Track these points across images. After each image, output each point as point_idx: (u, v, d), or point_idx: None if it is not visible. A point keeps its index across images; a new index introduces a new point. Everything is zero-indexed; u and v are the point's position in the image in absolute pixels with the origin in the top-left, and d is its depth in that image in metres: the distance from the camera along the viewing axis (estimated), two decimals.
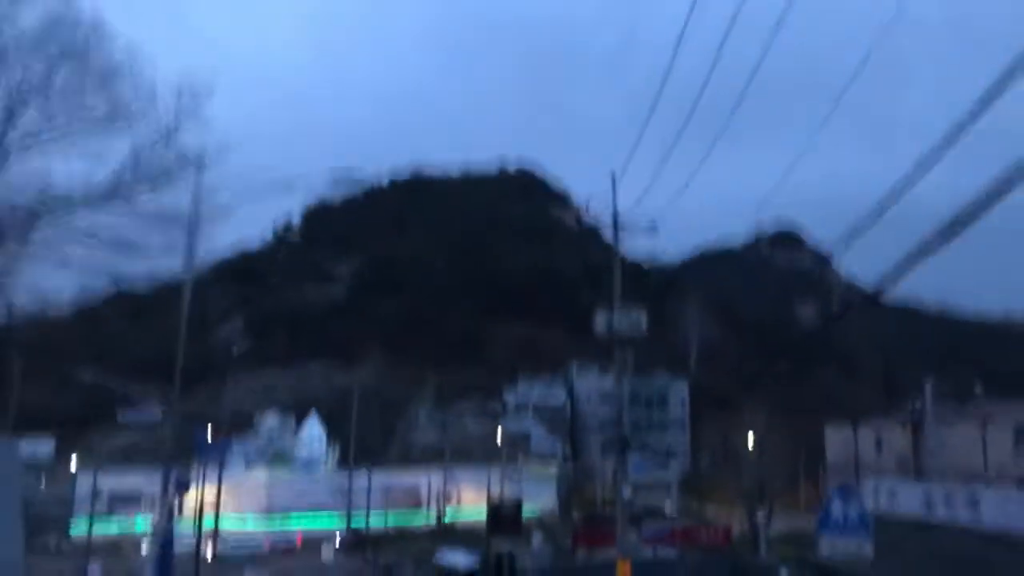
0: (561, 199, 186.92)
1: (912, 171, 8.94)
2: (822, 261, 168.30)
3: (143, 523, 68.35)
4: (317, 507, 73.12)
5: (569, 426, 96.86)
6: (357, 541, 61.85)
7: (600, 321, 26.71)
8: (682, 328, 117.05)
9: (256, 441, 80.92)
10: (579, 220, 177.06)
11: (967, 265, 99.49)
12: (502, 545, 40.33)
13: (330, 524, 70.37)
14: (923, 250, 8.45)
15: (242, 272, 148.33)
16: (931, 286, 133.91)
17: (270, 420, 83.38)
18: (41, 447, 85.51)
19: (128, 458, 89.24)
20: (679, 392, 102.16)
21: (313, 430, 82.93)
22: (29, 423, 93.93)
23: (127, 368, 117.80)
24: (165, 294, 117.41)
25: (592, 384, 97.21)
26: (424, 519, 73.49)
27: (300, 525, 69.06)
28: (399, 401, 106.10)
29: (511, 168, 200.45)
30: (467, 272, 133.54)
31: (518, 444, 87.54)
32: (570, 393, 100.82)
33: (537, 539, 51.85)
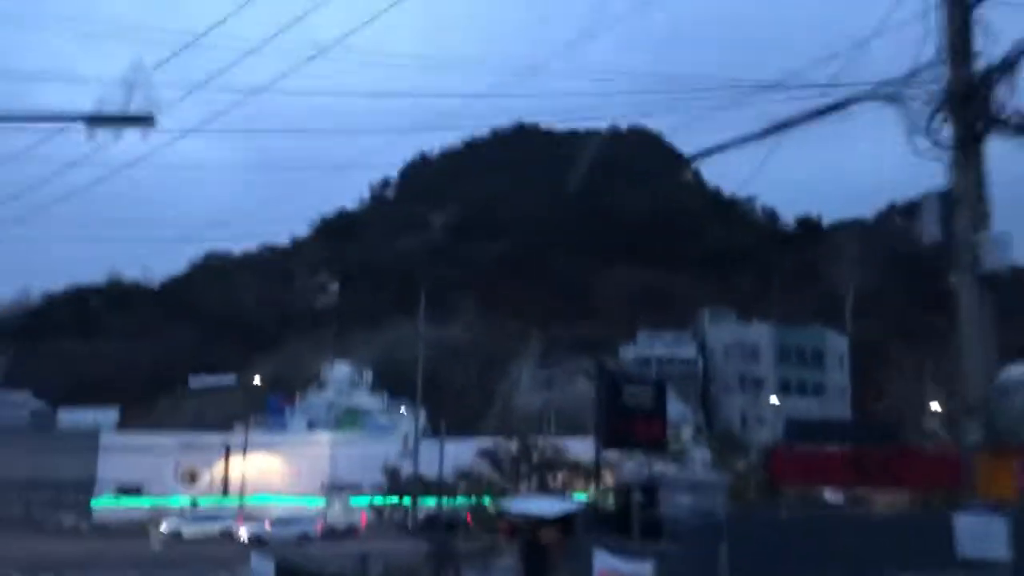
0: (677, 156, 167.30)
1: None
2: None
3: (179, 499, 56.28)
4: None
5: (701, 387, 79.71)
6: (431, 523, 47.70)
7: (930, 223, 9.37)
8: (834, 274, 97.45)
9: (322, 396, 67.64)
10: (698, 175, 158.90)
11: None
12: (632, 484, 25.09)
13: (406, 502, 56.81)
14: None
15: (338, 230, 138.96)
16: None
17: (339, 372, 69.86)
18: (105, 416, 75.01)
19: (198, 424, 78.28)
20: (837, 347, 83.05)
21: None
22: (99, 392, 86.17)
23: (208, 333, 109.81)
24: (254, 257, 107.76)
25: (729, 335, 79.67)
26: None
27: (365, 503, 55.31)
28: (499, 360, 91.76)
29: (623, 127, 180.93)
30: (574, 215, 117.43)
31: None
32: (702, 347, 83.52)
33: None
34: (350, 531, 50.05)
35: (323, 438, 61.86)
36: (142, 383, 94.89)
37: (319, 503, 54.24)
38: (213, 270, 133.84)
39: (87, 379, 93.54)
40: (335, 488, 56.12)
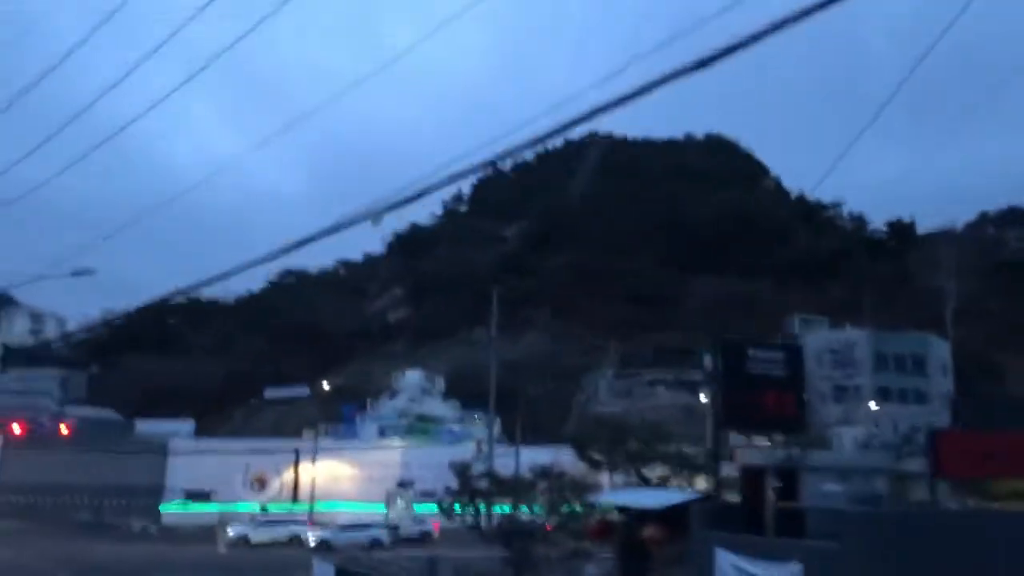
0: (756, 163, 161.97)
1: None
2: None
3: (247, 505, 54.72)
4: None
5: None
6: (508, 528, 44.77)
7: None
8: (933, 277, 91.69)
9: (393, 403, 65.54)
10: (778, 182, 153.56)
11: None
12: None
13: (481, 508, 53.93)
14: None
15: (412, 245, 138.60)
16: None
17: (410, 379, 67.75)
18: (181, 427, 74.58)
19: (275, 433, 77.20)
20: (939, 354, 77.37)
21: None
22: (176, 404, 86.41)
23: (284, 346, 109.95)
24: (329, 274, 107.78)
25: (822, 341, 74.97)
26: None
27: (436, 509, 52.55)
28: (575, 371, 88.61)
29: (699, 135, 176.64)
30: (652, 223, 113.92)
31: None
32: (794, 354, 78.60)
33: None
34: (422, 537, 47.52)
35: (394, 445, 59.61)
36: (218, 395, 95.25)
37: (389, 509, 51.87)
38: (289, 287, 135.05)
39: (165, 393, 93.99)
40: (405, 494, 53.70)
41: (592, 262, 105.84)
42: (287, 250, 12.04)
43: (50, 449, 53.90)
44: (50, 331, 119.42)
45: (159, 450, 57.85)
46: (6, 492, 54.21)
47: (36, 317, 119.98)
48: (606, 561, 27.31)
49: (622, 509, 28.15)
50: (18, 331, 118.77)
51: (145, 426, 76.20)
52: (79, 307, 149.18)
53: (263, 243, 12.01)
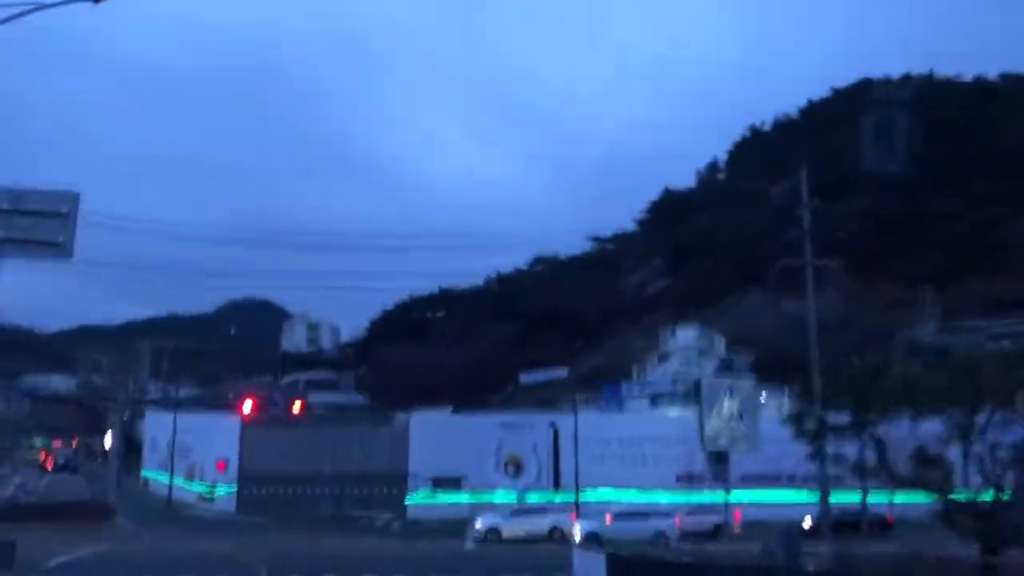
0: None
1: None
2: None
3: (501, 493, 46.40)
4: (777, 475, 45.47)
5: None
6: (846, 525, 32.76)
7: None
8: None
9: (663, 368, 54.69)
10: None
11: None
12: None
13: (793, 497, 42.24)
14: None
15: (668, 215, 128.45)
16: None
17: (682, 338, 56.42)
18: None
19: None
20: None
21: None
22: (431, 393, 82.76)
23: (536, 331, 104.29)
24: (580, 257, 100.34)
25: None
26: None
27: (739, 498, 41.11)
28: (880, 330, 72.96)
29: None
30: (949, 157, 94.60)
31: None
32: None
33: None
34: (715, 531, 36.51)
35: (671, 417, 48.80)
36: (473, 383, 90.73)
37: (672, 497, 41.20)
38: (539, 273, 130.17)
39: (423, 383, 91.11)
40: (695, 477, 42.97)
41: (884, 210, 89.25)
42: None
43: (288, 435, 49.31)
44: (325, 339, 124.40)
45: (402, 431, 51.25)
46: (247, 483, 50.16)
47: (313, 327, 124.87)
48: None
49: None
50: (297, 340, 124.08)
51: (401, 417, 72.17)
52: (349, 317, 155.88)
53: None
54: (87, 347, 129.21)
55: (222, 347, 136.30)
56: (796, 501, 44.29)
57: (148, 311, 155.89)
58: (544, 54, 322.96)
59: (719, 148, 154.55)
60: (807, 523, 36.40)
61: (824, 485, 27.61)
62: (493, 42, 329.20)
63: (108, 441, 79.34)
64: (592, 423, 47.28)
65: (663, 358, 58.40)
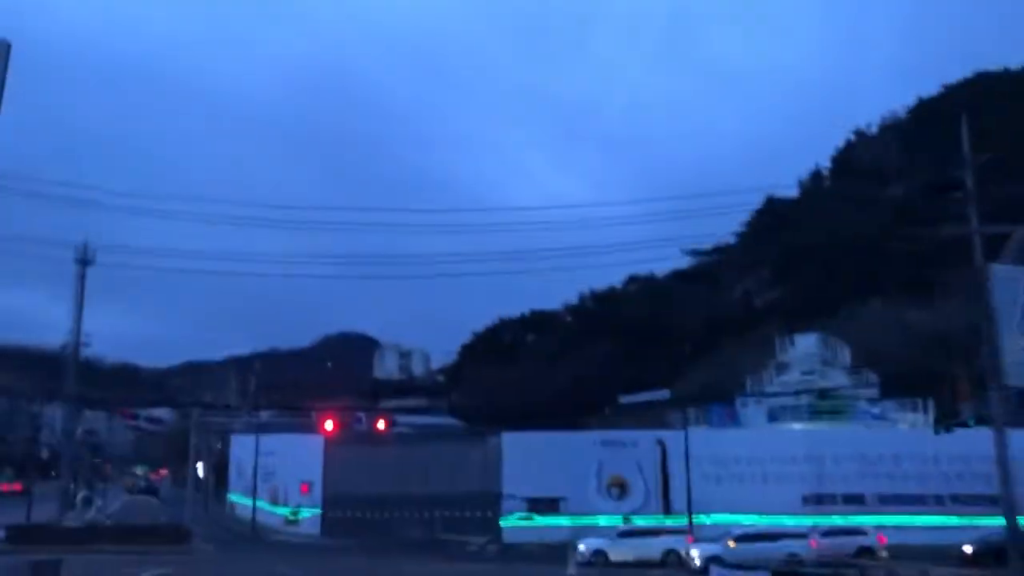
0: None
1: None
2: None
3: (604, 518, 42.12)
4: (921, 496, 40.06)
5: None
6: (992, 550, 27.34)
7: None
8: None
9: (782, 379, 49.59)
10: None
11: None
12: None
13: (937, 521, 36.70)
14: None
15: (771, 225, 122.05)
16: None
17: (803, 346, 51.28)
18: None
19: None
20: None
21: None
22: (527, 417, 79.43)
23: (634, 349, 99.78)
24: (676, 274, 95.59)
25: None
26: None
27: (881, 521, 35.76)
28: None
29: None
30: None
31: None
32: None
33: None
34: (862, 553, 31.35)
35: (795, 431, 43.65)
36: (568, 404, 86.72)
37: (799, 522, 36.02)
38: (633, 291, 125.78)
39: (518, 406, 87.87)
40: (825, 498, 37.83)
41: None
42: None
43: (375, 456, 46.44)
44: (416, 366, 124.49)
45: (494, 451, 47.54)
46: (332, 506, 47.47)
47: (404, 354, 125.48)
48: None
49: None
50: (388, 368, 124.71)
51: (494, 437, 68.92)
52: (438, 343, 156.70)
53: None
54: (190, 381, 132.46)
55: (319, 380, 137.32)
56: (940, 525, 38.80)
57: (249, 347, 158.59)
58: (631, 71, 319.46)
59: (821, 156, 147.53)
60: (968, 549, 31.03)
61: (1010, 502, 21.89)
62: (582, 60, 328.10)
63: (197, 466, 79.41)
64: (704, 439, 42.62)
65: (781, 369, 53.14)
